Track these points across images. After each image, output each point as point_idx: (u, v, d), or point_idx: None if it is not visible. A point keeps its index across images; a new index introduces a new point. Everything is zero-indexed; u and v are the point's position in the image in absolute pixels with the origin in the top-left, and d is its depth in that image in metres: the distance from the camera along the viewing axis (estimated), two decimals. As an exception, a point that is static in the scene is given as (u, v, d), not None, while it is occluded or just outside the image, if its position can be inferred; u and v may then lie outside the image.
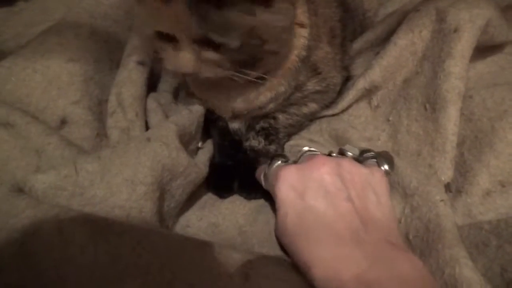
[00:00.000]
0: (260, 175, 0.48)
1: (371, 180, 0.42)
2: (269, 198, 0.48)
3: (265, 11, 0.40)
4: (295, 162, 0.46)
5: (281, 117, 0.55)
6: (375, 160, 0.46)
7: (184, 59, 0.42)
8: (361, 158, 0.47)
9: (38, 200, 0.36)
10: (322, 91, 0.56)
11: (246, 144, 0.55)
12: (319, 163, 0.42)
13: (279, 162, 0.46)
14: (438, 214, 0.41)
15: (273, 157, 0.47)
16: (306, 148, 0.47)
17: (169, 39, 0.41)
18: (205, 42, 0.40)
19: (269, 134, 0.55)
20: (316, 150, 0.46)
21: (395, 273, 0.35)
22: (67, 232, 0.33)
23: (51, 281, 0.31)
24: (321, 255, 0.37)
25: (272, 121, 0.55)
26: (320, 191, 0.40)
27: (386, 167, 0.45)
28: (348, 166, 0.42)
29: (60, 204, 0.37)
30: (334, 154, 0.46)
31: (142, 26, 0.43)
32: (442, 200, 0.42)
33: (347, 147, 0.48)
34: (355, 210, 0.39)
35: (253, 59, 0.43)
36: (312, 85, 0.54)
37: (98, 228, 0.34)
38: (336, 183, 0.41)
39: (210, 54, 0.41)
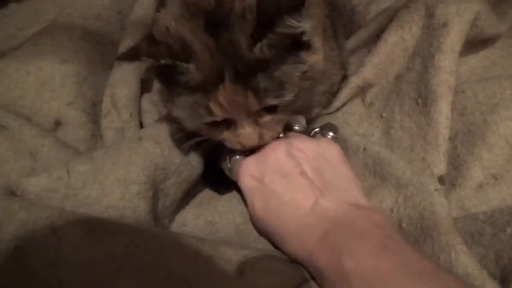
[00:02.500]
0: (224, 168, 0.50)
1: (322, 150, 0.46)
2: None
3: (309, 54, 0.42)
4: (252, 153, 0.48)
5: None
6: (320, 133, 0.50)
7: (247, 135, 0.43)
8: (309, 130, 0.50)
9: (31, 202, 0.36)
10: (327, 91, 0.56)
11: None
12: (271, 148, 0.45)
13: (237, 157, 0.48)
14: (432, 203, 0.41)
15: (231, 153, 0.49)
16: None
17: (223, 123, 0.43)
18: (261, 110, 0.42)
19: None
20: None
21: (353, 230, 0.38)
22: (60, 233, 0.33)
23: (46, 282, 0.31)
24: (290, 229, 0.41)
25: None
26: (277, 173, 0.44)
27: (330, 134, 0.49)
28: (298, 144, 0.46)
29: (53, 206, 0.37)
30: (282, 135, 0.48)
31: (187, 122, 0.44)
32: (436, 190, 0.42)
33: (293, 121, 0.50)
34: (311, 181, 0.42)
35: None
36: None
37: (92, 227, 0.34)
38: (289, 162, 0.44)
39: (268, 118, 0.44)
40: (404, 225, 0.43)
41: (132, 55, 0.40)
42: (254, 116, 0.43)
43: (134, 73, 0.56)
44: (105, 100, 0.55)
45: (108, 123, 0.53)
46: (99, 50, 0.61)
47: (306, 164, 0.44)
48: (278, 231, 0.42)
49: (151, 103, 0.57)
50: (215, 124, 0.42)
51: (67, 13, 0.62)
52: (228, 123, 0.43)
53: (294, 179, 0.43)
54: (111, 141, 0.52)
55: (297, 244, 0.40)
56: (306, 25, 0.39)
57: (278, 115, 0.44)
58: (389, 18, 0.57)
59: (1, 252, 0.32)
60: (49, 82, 0.54)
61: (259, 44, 0.38)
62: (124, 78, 0.55)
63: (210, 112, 0.41)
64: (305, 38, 0.41)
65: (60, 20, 0.62)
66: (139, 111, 0.56)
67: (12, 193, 0.38)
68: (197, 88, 0.40)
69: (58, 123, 0.52)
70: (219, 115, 0.41)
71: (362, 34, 0.63)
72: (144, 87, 0.58)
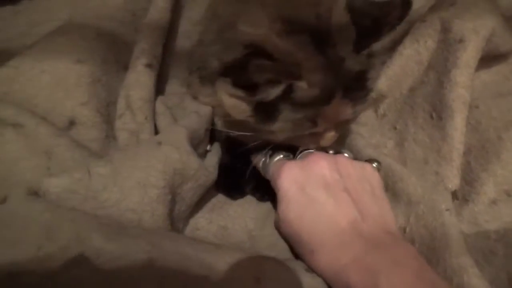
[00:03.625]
0: (259, 164, 0.50)
1: (365, 174, 0.46)
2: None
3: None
4: (294, 157, 0.49)
5: None
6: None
7: (329, 139, 0.46)
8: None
9: (55, 204, 0.36)
10: None
11: None
12: (318, 158, 0.46)
13: (281, 156, 0.49)
14: (443, 223, 0.42)
15: (274, 151, 0.49)
16: None
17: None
18: None
19: None
20: (311, 149, 0.50)
21: (391, 257, 0.38)
22: (83, 236, 0.33)
23: (67, 285, 0.31)
24: (323, 241, 0.41)
25: None
26: (320, 184, 0.44)
27: (375, 164, 0.49)
28: (344, 161, 0.47)
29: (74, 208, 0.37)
30: (331, 152, 0.49)
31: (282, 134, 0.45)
32: (447, 210, 0.43)
33: (343, 151, 0.51)
34: (352, 200, 0.43)
35: None
36: None
37: (114, 232, 0.34)
38: (334, 175, 0.44)
39: (345, 116, 0.45)
40: (417, 245, 0.43)
41: (237, 71, 0.41)
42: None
43: (149, 75, 0.56)
44: (119, 101, 0.55)
45: (122, 125, 0.53)
46: (113, 50, 0.60)
47: (350, 182, 0.44)
48: (309, 240, 0.42)
49: (165, 106, 0.56)
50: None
51: (81, 13, 0.62)
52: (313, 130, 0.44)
53: (337, 193, 0.43)
54: (125, 143, 0.52)
55: (327, 257, 0.40)
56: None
57: (354, 110, 0.45)
58: (404, 31, 0.58)
59: (23, 252, 0.31)
60: (63, 82, 0.53)
61: (360, 55, 0.40)
62: (139, 80, 0.55)
63: (315, 125, 0.42)
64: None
65: (73, 20, 0.61)
66: (153, 114, 0.56)
67: (35, 193, 0.38)
68: (306, 104, 0.40)
69: (72, 123, 0.51)
70: (323, 126, 0.43)
71: (375, 46, 0.63)
72: (158, 89, 0.58)
